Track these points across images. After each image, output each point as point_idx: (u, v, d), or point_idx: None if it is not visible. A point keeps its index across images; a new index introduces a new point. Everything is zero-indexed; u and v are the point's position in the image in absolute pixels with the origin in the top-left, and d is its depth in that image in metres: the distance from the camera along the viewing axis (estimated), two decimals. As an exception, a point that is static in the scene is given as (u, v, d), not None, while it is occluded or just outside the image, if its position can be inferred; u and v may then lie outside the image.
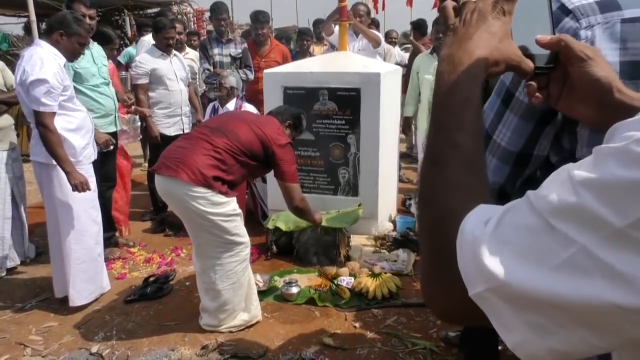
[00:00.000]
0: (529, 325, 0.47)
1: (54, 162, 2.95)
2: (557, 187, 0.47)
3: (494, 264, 0.48)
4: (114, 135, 3.81)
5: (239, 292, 2.84)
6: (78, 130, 3.09)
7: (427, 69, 4.58)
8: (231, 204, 2.72)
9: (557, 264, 0.45)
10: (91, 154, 3.20)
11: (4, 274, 3.61)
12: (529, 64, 0.68)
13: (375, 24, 6.67)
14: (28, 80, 2.82)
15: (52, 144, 2.87)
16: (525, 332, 0.47)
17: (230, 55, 4.98)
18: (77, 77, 3.51)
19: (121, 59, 5.92)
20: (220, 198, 2.65)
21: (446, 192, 0.60)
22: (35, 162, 3.06)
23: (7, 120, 3.65)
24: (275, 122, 2.96)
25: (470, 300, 0.51)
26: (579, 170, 0.46)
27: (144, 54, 4.57)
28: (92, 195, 3.13)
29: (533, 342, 0.47)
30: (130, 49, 6.19)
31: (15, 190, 3.66)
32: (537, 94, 0.72)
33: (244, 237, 2.80)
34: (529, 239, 0.47)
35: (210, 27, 9.17)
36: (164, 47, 4.40)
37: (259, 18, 5.17)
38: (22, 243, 3.77)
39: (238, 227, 2.76)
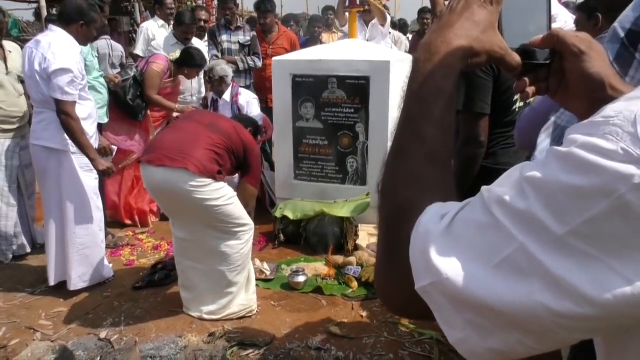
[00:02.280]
0: (469, 324, 0.47)
1: (67, 149, 2.97)
2: (508, 185, 0.47)
3: (439, 258, 0.48)
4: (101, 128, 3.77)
5: (243, 274, 2.89)
6: (89, 119, 3.11)
7: None
8: (228, 187, 2.77)
9: (498, 262, 0.45)
10: (95, 143, 3.22)
11: (9, 260, 3.63)
12: (514, 59, 0.65)
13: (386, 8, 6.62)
14: (51, 68, 2.82)
15: (77, 132, 2.90)
16: (466, 330, 0.48)
17: (239, 42, 4.97)
18: (86, 70, 3.49)
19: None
20: (218, 184, 2.70)
21: (406, 184, 0.59)
22: (41, 147, 3.03)
23: (20, 107, 3.61)
24: (245, 132, 3.02)
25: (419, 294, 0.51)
26: (530, 169, 0.46)
27: (157, 42, 4.66)
28: (95, 183, 3.16)
29: (473, 341, 0.48)
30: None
31: (21, 179, 3.66)
32: (527, 90, 0.69)
33: (247, 219, 2.84)
34: (477, 236, 0.47)
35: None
36: (182, 39, 4.49)
37: (261, 7, 5.15)
38: (28, 231, 3.78)
39: (240, 210, 2.79)
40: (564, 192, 0.43)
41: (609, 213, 0.41)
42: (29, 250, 3.74)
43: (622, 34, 1.07)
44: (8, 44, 3.65)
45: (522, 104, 2.14)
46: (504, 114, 2.10)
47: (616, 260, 0.42)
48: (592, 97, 0.66)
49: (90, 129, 3.11)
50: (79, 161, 3.05)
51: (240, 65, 4.89)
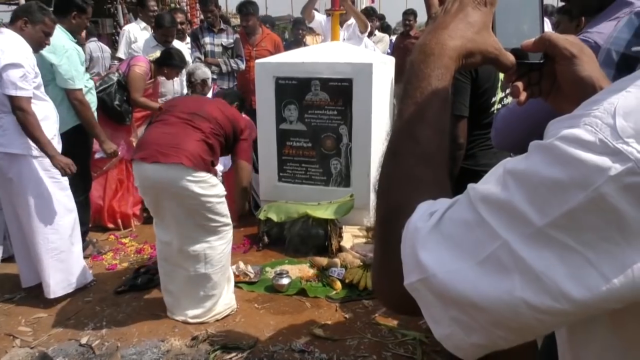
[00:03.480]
0: (453, 320, 0.49)
1: (28, 153, 2.91)
2: (492, 180, 0.49)
3: (427, 255, 0.49)
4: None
5: (226, 274, 2.91)
6: (46, 120, 2.99)
7: None
8: (221, 185, 2.82)
9: (482, 259, 0.46)
10: (57, 145, 3.09)
11: None
12: (508, 58, 0.66)
13: (377, 15, 6.62)
14: (0, 65, 2.75)
15: (34, 128, 2.82)
16: (451, 326, 0.49)
17: (222, 45, 4.95)
18: (79, 76, 3.45)
19: None
20: (214, 180, 2.74)
21: (399, 184, 0.60)
22: (3, 153, 2.91)
23: None
24: (229, 105, 3.04)
25: None
26: (512, 162, 0.47)
27: (138, 44, 4.63)
28: (63, 185, 3.08)
29: (458, 336, 0.49)
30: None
31: None
32: (522, 95, 0.71)
33: (229, 219, 2.87)
34: (463, 232, 0.48)
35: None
36: (162, 42, 4.48)
37: (242, 10, 5.15)
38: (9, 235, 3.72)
39: (226, 209, 2.84)
40: (544, 185, 0.44)
41: (586, 205, 0.42)
42: (9, 253, 3.67)
43: (615, 59, 1.09)
44: None
45: (500, 105, 2.17)
46: (482, 116, 2.12)
47: (593, 253, 0.42)
48: (584, 100, 0.68)
49: (48, 130, 2.99)
50: (44, 164, 2.97)
51: (223, 68, 4.88)
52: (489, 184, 0.48)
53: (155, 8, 5.28)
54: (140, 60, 4.09)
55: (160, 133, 2.73)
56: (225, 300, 2.93)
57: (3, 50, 2.79)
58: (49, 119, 3.05)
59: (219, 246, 2.81)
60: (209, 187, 2.68)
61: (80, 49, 3.57)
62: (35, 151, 2.94)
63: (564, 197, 0.43)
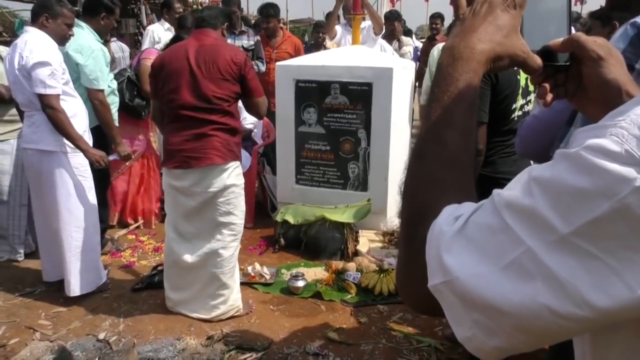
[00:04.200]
0: (475, 323, 0.49)
1: (59, 149, 2.96)
2: (518, 186, 0.49)
3: (451, 258, 0.50)
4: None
5: (234, 276, 2.95)
6: (76, 117, 3.05)
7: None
8: (242, 176, 2.89)
9: (506, 264, 0.47)
10: (88, 140, 3.15)
11: (22, 258, 3.67)
12: (536, 61, 0.66)
13: (401, 19, 6.50)
14: (29, 64, 2.81)
15: (65, 125, 2.87)
16: (473, 328, 0.50)
17: (242, 46, 4.99)
18: (103, 77, 3.51)
19: None
20: (240, 167, 2.84)
21: (426, 187, 0.60)
22: (34, 150, 3.00)
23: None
24: (217, 41, 2.77)
25: None
26: (538, 170, 0.48)
27: (162, 45, 4.70)
28: (90, 184, 3.14)
29: (480, 339, 0.50)
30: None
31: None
32: (548, 96, 0.71)
33: (243, 219, 2.93)
34: (487, 237, 0.49)
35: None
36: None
37: (264, 12, 5.18)
38: (32, 229, 3.80)
39: (244, 205, 2.92)
40: (569, 193, 0.44)
41: (611, 215, 0.42)
42: (33, 249, 3.76)
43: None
44: (2, 48, 3.64)
45: (520, 112, 2.15)
46: (502, 123, 2.10)
47: (617, 261, 0.43)
48: (609, 102, 0.67)
49: (79, 126, 3.05)
50: (73, 161, 3.03)
51: None
52: (514, 190, 0.49)
53: (181, 10, 5.35)
54: (151, 53, 4.12)
55: (181, 137, 2.72)
56: (231, 301, 2.94)
57: (31, 50, 2.84)
58: (79, 115, 3.11)
59: (232, 247, 2.86)
60: (237, 176, 2.80)
61: (106, 50, 3.64)
62: (66, 148, 3.01)
63: (589, 206, 0.43)
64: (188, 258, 2.84)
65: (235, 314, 2.95)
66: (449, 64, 0.63)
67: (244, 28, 5.11)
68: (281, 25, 5.47)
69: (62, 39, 3.09)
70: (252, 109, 2.93)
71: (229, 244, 2.84)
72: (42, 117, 2.92)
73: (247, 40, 5.03)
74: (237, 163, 2.81)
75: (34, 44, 2.87)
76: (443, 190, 0.59)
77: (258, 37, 5.13)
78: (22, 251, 3.68)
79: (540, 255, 0.45)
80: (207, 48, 2.71)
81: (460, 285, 0.49)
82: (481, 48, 0.62)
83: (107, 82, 3.54)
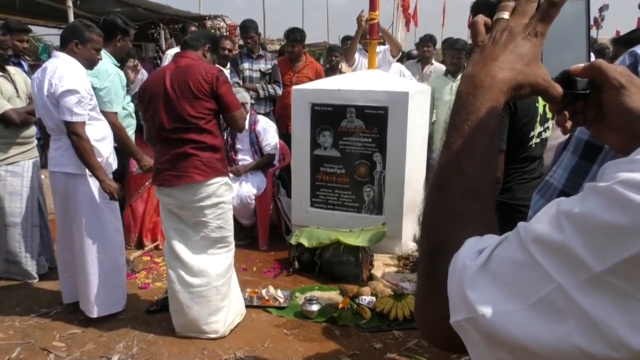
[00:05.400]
0: None
1: (85, 172, 3.00)
2: (546, 220, 0.47)
3: (475, 294, 0.48)
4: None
5: (233, 281, 3.05)
6: (104, 140, 3.13)
7: (441, 89, 4.58)
8: (232, 190, 2.99)
9: (534, 302, 0.45)
10: (113, 163, 3.22)
11: (36, 280, 3.68)
12: (557, 89, 0.65)
13: (433, 42, 6.38)
14: (58, 91, 2.86)
15: (87, 153, 2.92)
16: None
17: (260, 70, 5.06)
18: (118, 100, 3.57)
19: None
20: (228, 181, 2.93)
21: (446, 219, 0.59)
22: (61, 173, 3.05)
23: (33, 130, 3.70)
24: (192, 61, 2.82)
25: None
26: (567, 204, 0.46)
27: None
28: (115, 206, 3.18)
29: None
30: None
31: (41, 199, 3.73)
32: (567, 123, 0.70)
33: (232, 231, 3.04)
34: (513, 273, 0.47)
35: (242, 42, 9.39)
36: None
37: (290, 36, 5.27)
38: (45, 251, 3.83)
39: (232, 219, 3.02)
40: (602, 230, 0.42)
41: None
42: (46, 269, 3.79)
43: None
44: (10, 68, 3.71)
45: (537, 140, 2.14)
46: (520, 150, 2.10)
47: None
48: (630, 131, 0.66)
49: (105, 149, 3.12)
50: (97, 185, 3.06)
51: (261, 93, 4.98)
52: (541, 223, 0.47)
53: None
54: None
55: (164, 157, 2.84)
56: (234, 309, 3.02)
57: (60, 77, 2.89)
58: (107, 138, 3.17)
59: (226, 259, 2.96)
60: (225, 191, 2.90)
61: (122, 73, 3.71)
62: None
63: (624, 243, 0.41)
64: (186, 278, 2.88)
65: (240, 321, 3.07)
66: (470, 92, 0.62)
67: (261, 52, 5.19)
68: (304, 50, 5.54)
69: (91, 64, 3.16)
70: (229, 123, 3.00)
71: (223, 258, 2.96)
72: (69, 142, 2.97)
73: (265, 64, 5.10)
74: (222, 179, 2.87)
75: (63, 70, 2.92)
76: (464, 223, 0.58)
77: (275, 61, 5.20)
78: (35, 274, 3.69)
79: (571, 293, 0.43)
80: (181, 69, 2.80)
81: (485, 323, 0.47)
82: (502, 77, 0.61)
83: (121, 105, 3.61)
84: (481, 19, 0.67)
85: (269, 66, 5.10)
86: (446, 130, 0.64)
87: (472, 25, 0.68)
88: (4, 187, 3.53)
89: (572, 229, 0.44)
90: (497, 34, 0.64)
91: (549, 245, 0.45)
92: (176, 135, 2.79)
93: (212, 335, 2.93)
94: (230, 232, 2.98)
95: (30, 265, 3.66)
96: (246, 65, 5.08)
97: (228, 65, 5.20)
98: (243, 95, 4.37)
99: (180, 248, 2.90)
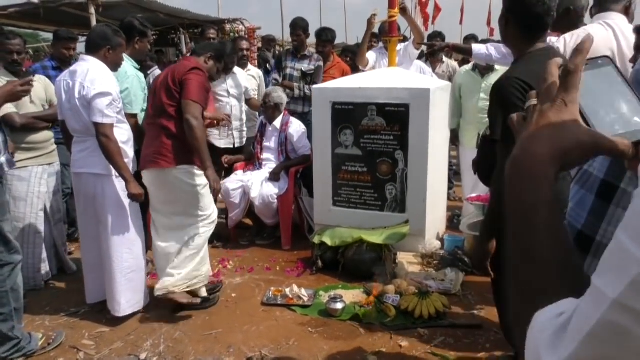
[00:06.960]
0: None
1: (111, 173, 3.05)
2: (624, 276, 0.44)
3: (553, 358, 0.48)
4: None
5: (197, 262, 3.27)
6: (128, 142, 3.17)
7: (470, 86, 4.49)
8: (203, 178, 3.11)
9: None
10: (133, 165, 3.25)
11: (42, 286, 3.68)
12: (622, 142, 0.64)
13: (441, 38, 6.37)
14: (90, 94, 2.90)
15: (115, 154, 2.96)
16: None
17: (301, 70, 5.04)
18: (137, 101, 3.61)
19: None
20: (197, 170, 3.13)
21: (527, 298, 0.59)
22: (88, 174, 3.09)
23: (46, 135, 3.69)
24: (186, 61, 3.22)
25: None
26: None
27: None
28: (137, 207, 3.22)
29: None
30: None
31: (48, 205, 3.69)
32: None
33: (211, 212, 3.28)
34: (591, 340, 0.46)
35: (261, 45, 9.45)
36: (223, 69, 4.58)
37: (322, 36, 5.31)
38: (52, 257, 3.82)
39: (211, 201, 3.24)
40: None
41: None
42: (52, 275, 3.79)
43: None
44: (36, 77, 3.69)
45: None
46: None
47: None
48: None
49: (130, 152, 3.17)
50: (122, 186, 3.09)
51: (296, 92, 4.96)
52: (618, 284, 0.44)
53: (214, 36, 5.48)
54: None
55: (146, 141, 3.17)
56: (185, 277, 3.21)
57: (92, 80, 2.94)
58: (131, 140, 3.23)
59: (197, 235, 3.20)
60: (193, 176, 3.12)
61: (141, 75, 3.75)
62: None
63: None
64: (161, 244, 3.21)
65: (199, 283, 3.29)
66: (514, 175, 0.63)
67: (307, 52, 5.16)
68: (333, 50, 5.54)
69: (116, 66, 3.23)
70: (183, 110, 3.01)
71: (192, 234, 3.20)
72: (96, 143, 3.00)
73: (308, 65, 5.07)
74: (189, 167, 3.09)
75: (95, 74, 2.98)
76: (543, 300, 0.57)
77: (320, 63, 5.11)
78: (40, 281, 3.66)
79: None
80: (173, 67, 3.21)
81: None
82: (542, 151, 0.62)
83: (140, 107, 3.63)
84: (517, 115, 0.70)
85: (312, 67, 5.06)
86: (507, 215, 0.64)
87: (510, 123, 0.71)
88: (9, 191, 3.44)
89: None
90: (530, 117, 0.66)
91: (633, 312, 0.43)
92: (152, 120, 3.13)
93: (158, 286, 3.17)
94: (199, 215, 3.19)
95: (31, 271, 3.60)
96: (289, 63, 5.10)
97: (249, 67, 5.24)
98: (279, 95, 4.40)
99: (158, 221, 3.24)
